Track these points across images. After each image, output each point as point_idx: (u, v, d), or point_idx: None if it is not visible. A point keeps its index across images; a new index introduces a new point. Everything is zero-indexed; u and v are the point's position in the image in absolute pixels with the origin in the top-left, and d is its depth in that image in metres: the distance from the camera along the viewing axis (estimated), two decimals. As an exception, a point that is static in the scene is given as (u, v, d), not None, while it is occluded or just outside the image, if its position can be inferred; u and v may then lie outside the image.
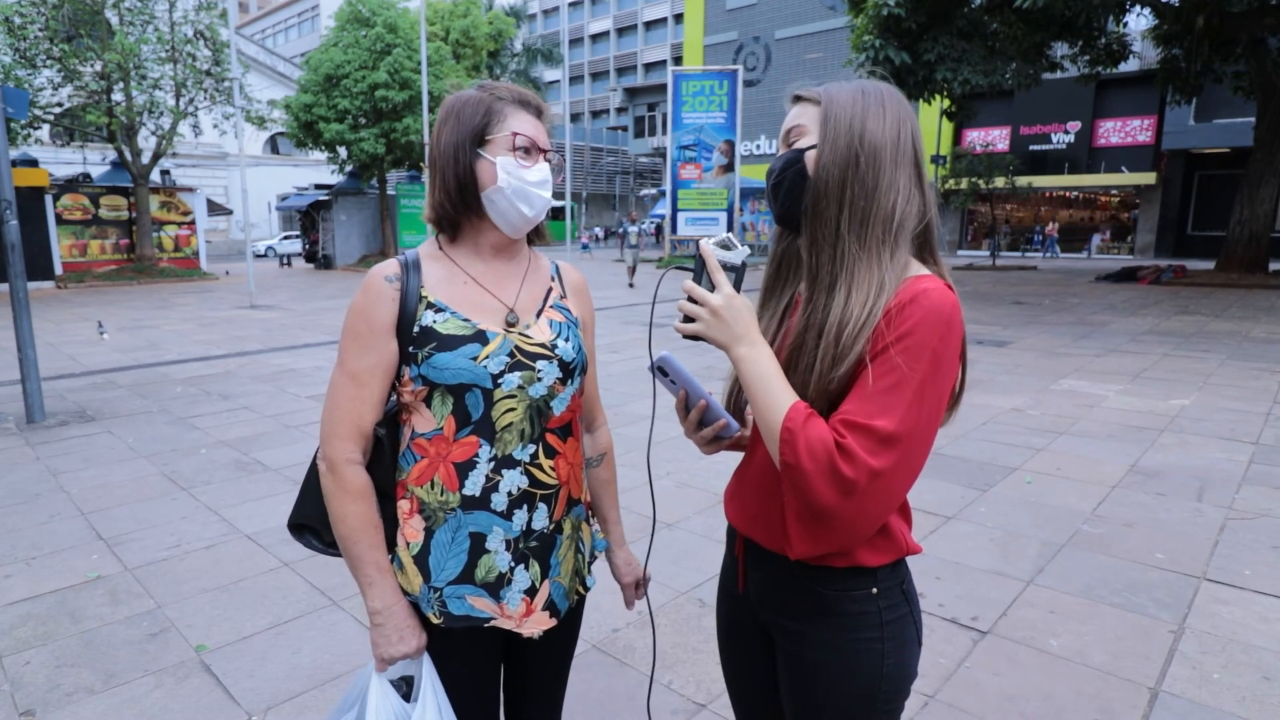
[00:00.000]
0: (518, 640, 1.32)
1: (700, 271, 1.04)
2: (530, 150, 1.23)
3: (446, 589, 1.21)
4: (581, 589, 1.35)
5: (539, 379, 1.22)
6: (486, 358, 1.18)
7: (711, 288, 1.03)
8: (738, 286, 1.05)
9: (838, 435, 0.93)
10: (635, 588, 1.50)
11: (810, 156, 1.05)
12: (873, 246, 1.00)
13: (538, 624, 1.26)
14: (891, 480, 0.93)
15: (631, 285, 16.95)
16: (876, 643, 1.07)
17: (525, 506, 1.23)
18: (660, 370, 1.11)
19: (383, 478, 1.23)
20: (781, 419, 0.96)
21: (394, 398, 1.24)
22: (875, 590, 1.07)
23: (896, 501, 0.98)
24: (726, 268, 1.04)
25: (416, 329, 1.19)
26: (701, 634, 2.71)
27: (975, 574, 3.15)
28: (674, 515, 3.80)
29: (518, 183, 1.21)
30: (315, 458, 1.27)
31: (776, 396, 0.98)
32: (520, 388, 1.20)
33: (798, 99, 1.10)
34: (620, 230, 18.73)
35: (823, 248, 1.03)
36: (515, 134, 1.21)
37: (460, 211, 1.24)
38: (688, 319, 1.03)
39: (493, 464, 1.20)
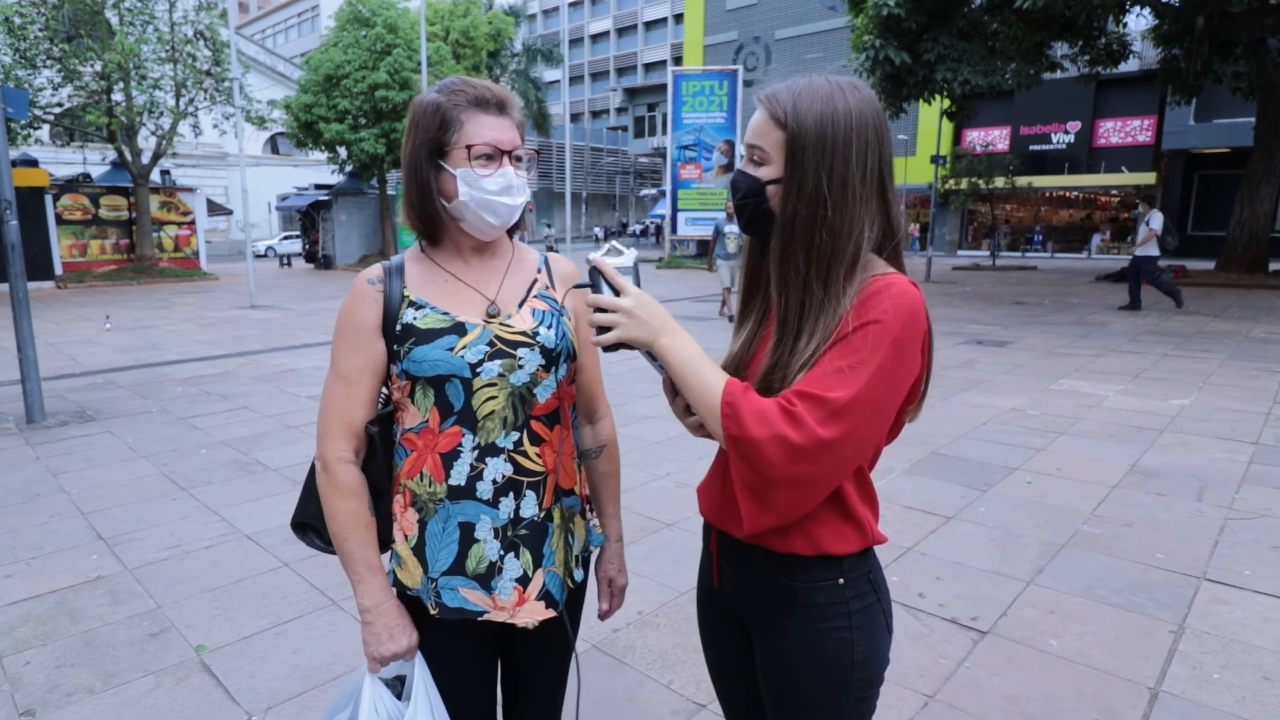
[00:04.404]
0: (512, 636, 1.32)
1: (599, 283, 1.05)
2: (492, 157, 1.21)
3: (441, 580, 1.22)
4: (571, 582, 1.34)
5: (520, 366, 1.23)
6: (464, 348, 1.20)
7: (616, 293, 1.04)
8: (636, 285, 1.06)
9: (787, 403, 0.94)
10: (610, 593, 1.46)
11: (773, 192, 1.05)
12: (834, 290, 1.01)
13: (531, 614, 1.25)
14: (839, 451, 0.94)
15: (729, 317, 10.74)
16: (845, 631, 1.08)
17: (512, 494, 1.23)
18: (650, 355, 1.12)
19: (376, 476, 1.26)
20: (720, 395, 0.97)
21: (387, 396, 1.28)
22: (842, 581, 1.08)
23: (843, 474, 0.99)
24: (622, 272, 1.05)
25: (399, 327, 1.22)
26: (701, 634, 2.71)
27: (975, 574, 3.15)
28: (674, 515, 3.80)
29: (479, 194, 1.20)
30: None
31: (708, 376, 1.00)
32: (501, 375, 1.21)
33: (763, 105, 1.05)
34: (715, 233, 11.10)
35: (791, 292, 1.04)
36: (470, 145, 1.19)
37: (430, 221, 1.25)
38: (602, 330, 1.03)
39: (476, 452, 1.21)
